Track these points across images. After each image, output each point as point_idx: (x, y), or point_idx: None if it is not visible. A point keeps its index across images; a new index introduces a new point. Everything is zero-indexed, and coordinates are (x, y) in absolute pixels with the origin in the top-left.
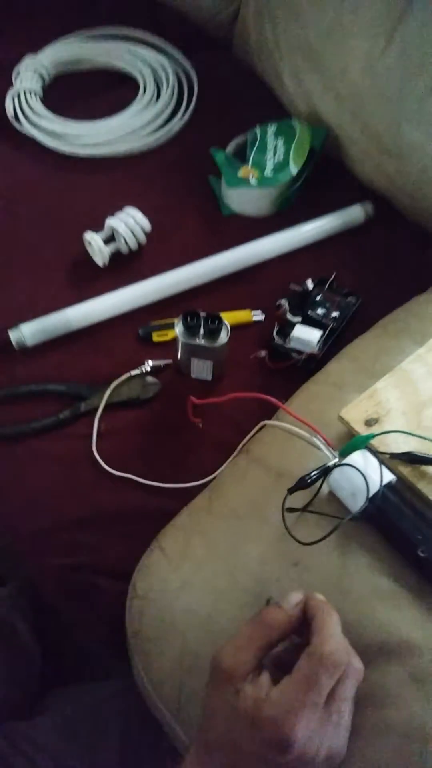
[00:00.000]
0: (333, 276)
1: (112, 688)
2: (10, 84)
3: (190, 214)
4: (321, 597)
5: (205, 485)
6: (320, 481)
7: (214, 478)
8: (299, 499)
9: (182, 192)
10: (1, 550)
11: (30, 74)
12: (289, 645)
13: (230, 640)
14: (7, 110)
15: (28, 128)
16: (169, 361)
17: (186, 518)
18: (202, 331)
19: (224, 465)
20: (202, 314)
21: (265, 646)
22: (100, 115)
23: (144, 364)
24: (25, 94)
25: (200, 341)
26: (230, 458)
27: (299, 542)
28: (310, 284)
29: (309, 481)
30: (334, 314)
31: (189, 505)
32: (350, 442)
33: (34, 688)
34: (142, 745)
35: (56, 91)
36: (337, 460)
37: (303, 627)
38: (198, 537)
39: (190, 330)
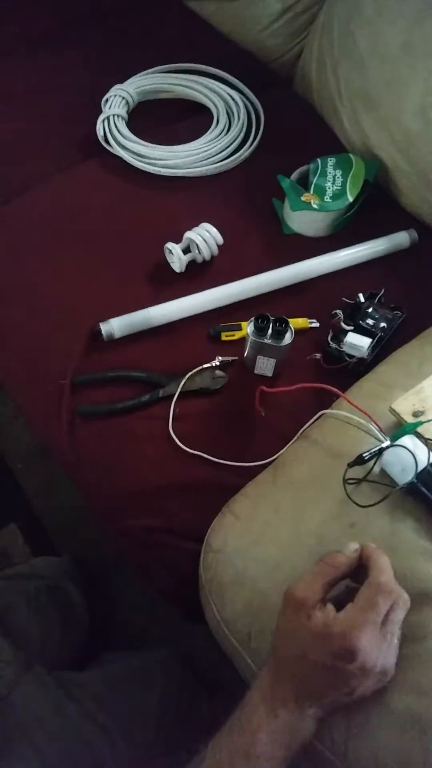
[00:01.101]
0: (382, 291)
1: (157, 655)
2: (100, 110)
3: (256, 232)
4: (374, 544)
5: (266, 465)
6: (375, 459)
7: (276, 458)
8: (354, 473)
9: (249, 212)
10: (64, 521)
11: (118, 101)
12: (348, 588)
13: (301, 576)
14: (97, 132)
15: (116, 149)
16: (236, 357)
17: (253, 488)
18: (270, 331)
19: (286, 447)
20: (272, 317)
21: (330, 581)
22: (178, 141)
23: (214, 359)
24: (113, 118)
25: (268, 340)
26: (291, 441)
27: (358, 505)
28: (361, 297)
29: (367, 458)
30: (383, 324)
31: (255, 479)
32: (401, 428)
33: (83, 652)
34: (180, 708)
35: (140, 118)
36: (389, 443)
37: (359, 573)
38: (265, 503)
39: (260, 330)
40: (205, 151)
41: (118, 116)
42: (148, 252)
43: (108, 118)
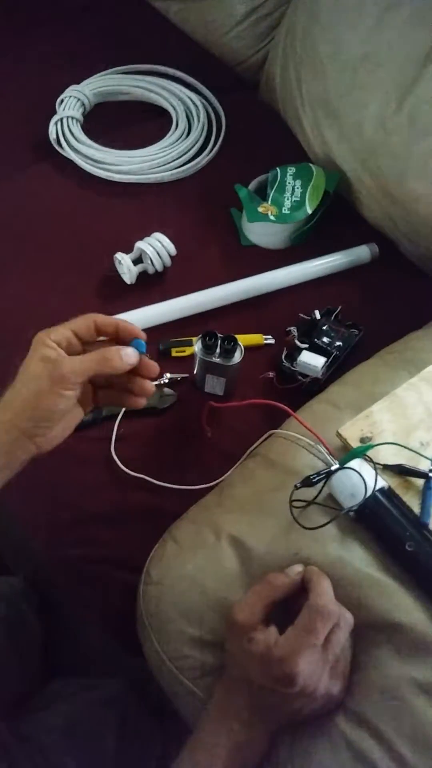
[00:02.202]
0: (339, 309)
1: (110, 689)
2: (54, 111)
3: (212, 243)
4: (316, 568)
5: (212, 488)
6: (323, 482)
7: (222, 480)
8: (300, 496)
9: (205, 222)
10: (13, 542)
11: (73, 102)
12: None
13: (242, 598)
14: (50, 134)
15: (68, 152)
16: (186, 375)
17: (197, 512)
18: (218, 350)
19: (233, 467)
20: (220, 335)
21: (271, 602)
22: (134, 145)
23: (162, 376)
24: (67, 120)
25: (216, 359)
26: (239, 461)
27: (303, 527)
28: (317, 314)
29: (314, 480)
30: (338, 343)
31: (199, 502)
32: (351, 451)
33: (34, 681)
34: (136, 749)
35: (95, 120)
36: (337, 465)
37: (301, 595)
38: (209, 528)
39: (208, 348)
40: (162, 156)
41: (72, 118)
42: (97, 262)
43: (61, 119)
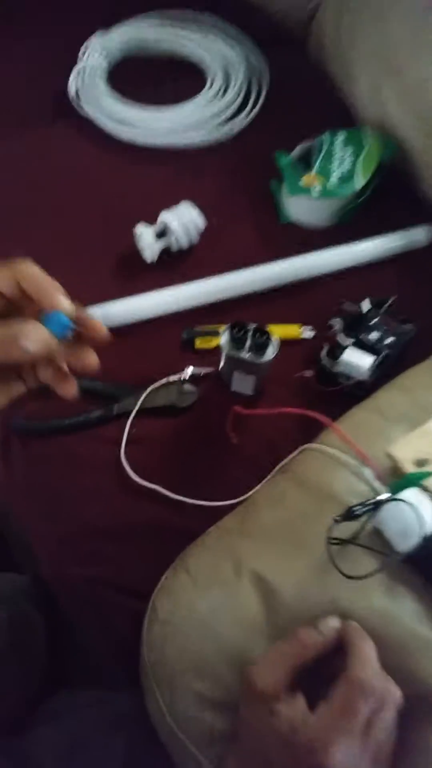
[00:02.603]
0: (391, 300)
1: (119, 706)
2: (76, 62)
3: (246, 218)
4: (357, 625)
5: (235, 506)
6: (368, 515)
7: (246, 498)
8: (340, 530)
9: (240, 193)
10: (21, 539)
11: (97, 52)
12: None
13: (263, 656)
14: (69, 87)
15: (88, 109)
16: (210, 369)
17: (214, 539)
18: (248, 344)
19: (260, 485)
20: (251, 326)
21: (298, 665)
22: (163, 104)
23: (184, 370)
24: (89, 72)
25: (245, 355)
26: (267, 478)
27: (343, 574)
28: (366, 305)
29: (358, 512)
30: (389, 340)
31: (218, 524)
32: (404, 477)
33: (41, 687)
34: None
35: (121, 76)
36: (388, 494)
37: (336, 657)
38: (228, 560)
39: (236, 342)
40: (194, 117)
41: (95, 70)
42: (114, 236)
43: (83, 71)
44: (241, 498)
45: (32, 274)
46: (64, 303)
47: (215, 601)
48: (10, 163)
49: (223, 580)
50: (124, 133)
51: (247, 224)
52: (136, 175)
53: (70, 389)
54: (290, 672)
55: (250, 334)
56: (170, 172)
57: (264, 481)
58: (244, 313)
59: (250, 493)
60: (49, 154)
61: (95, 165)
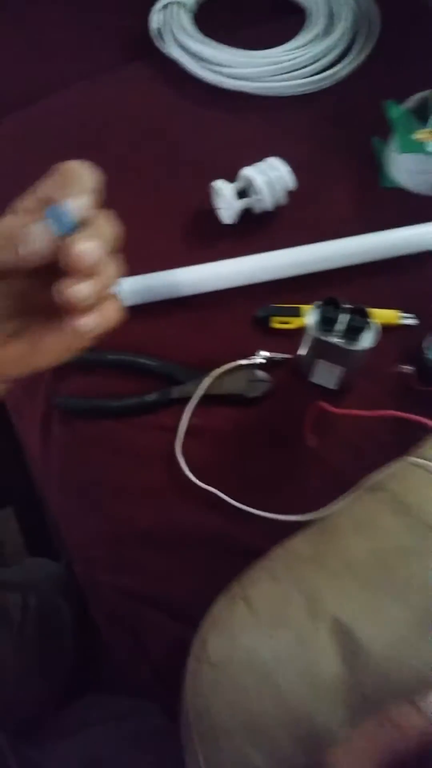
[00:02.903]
0: None
1: (147, 721)
2: None
3: (343, 179)
4: None
5: (308, 523)
6: None
7: (325, 516)
8: None
9: (337, 150)
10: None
11: None
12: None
13: (345, 744)
14: (150, 23)
15: (171, 47)
16: (288, 356)
17: (283, 565)
18: (342, 326)
19: (341, 501)
20: (347, 305)
21: (392, 756)
22: (256, 45)
23: (256, 354)
24: (174, 7)
25: (337, 340)
26: (351, 490)
27: None
28: None
29: None
30: None
31: (287, 545)
32: None
33: (65, 688)
34: None
35: (211, 11)
36: None
37: None
38: (300, 595)
39: (327, 323)
40: (291, 60)
41: (181, 5)
42: (189, 191)
43: (167, 6)
44: (317, 513)
45: (70, 168)
46: (77, 198)
47: (282, 649)
48: (81, 105)
49: (294, 622)
50: (209, 75)
51: (344, 187)
52: (219, 123)
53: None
54: (380, 765)
55: (345, 315)
56: (258, 122)
57: (347, 497)
58: (332, 291)
59: (329, 509)
60: (123, 97)
61: (174, 110)
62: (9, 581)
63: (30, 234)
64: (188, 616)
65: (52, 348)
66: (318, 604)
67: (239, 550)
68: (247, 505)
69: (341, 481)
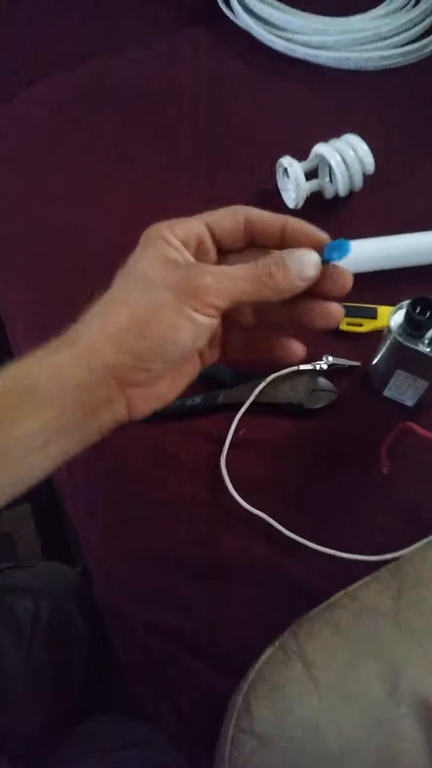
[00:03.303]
0: None
1: (166, 753)
2: None
3: (428, 165)
4: None
5: (379, 565)
6: None
7: (400, 559)
8: None
9: (423, 131)
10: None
11: None
12: None
13: None
14: None
15: (238, 13)
16: (358, 363)
17: (352, 620)
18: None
19: (423, 543)
20: None
21: None
22: (335, 12)
23: (321, 359)
24: None
25: (425, 348)
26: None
27: None
28: None
29: None
30: None
31: (354, 592)
32: None
33: (76, 706)
34: None
35: None
36: None
37: None
38: (375, 664)
39: (414, 326)
40: (372, 30)
41: None
42: (254, 167)
43: None
44: (390, 555)
45: (267, 215)
46: (323, 235)
47: (352, 730)
48: (137, 71)
49: (368, 696)
50: (281, 44)
51: (428, 173)
52: (291, 95)
53: (297, 350)
54: None
55: None
56: (334, 96)
57: (428, 540)
58: (419, 291)
59: (406, 551)
60: (189, 64)
61: (241, 80)
62: (21, 585)
63: (308, 265)
64: (226, 659)
65: (183, 383)
66: (399, 676)
67: (291, 587)
68: (301, 536)
69: (418, 518)
